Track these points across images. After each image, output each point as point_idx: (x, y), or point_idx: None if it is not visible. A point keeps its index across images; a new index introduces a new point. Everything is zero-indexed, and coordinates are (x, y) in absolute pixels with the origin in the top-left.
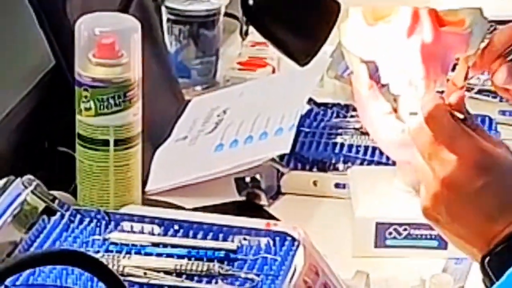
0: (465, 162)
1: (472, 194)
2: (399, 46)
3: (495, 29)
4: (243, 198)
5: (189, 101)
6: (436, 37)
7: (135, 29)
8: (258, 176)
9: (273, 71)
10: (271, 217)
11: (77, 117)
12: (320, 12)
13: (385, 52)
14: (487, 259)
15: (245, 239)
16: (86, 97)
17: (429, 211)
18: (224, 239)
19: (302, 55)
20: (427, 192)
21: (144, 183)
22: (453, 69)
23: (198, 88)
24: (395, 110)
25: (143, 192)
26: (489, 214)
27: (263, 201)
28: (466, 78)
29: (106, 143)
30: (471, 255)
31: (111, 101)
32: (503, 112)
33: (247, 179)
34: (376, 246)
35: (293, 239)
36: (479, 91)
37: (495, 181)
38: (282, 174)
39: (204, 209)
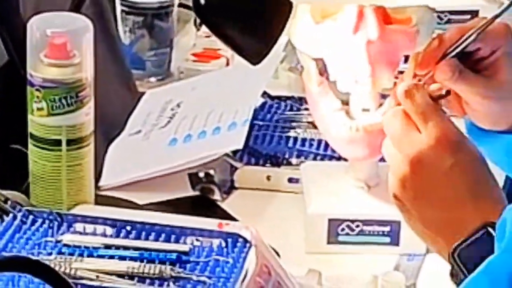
0: (436, 140)
1: (442, 173)
2: (345, 43)
3: (449, 19)
4: (197, 193)
5: (143, 93)
6: (382, 35)
7: (87, 29)
8: (211, 171)
9: (227, 63)
10: (225, 213)
11: (29, 117)
12: (272, 11)
13: (331, 49)
14: (457, 250)
15: (197, 240)
16: (38, 97)
17: (397, 198)
18: (177, 240)
19: (254, 54)
20: (395, 178)
21: (98, 177)
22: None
23: (153, 79)
24: (347, 104)
25: (97, 187)
26: (460, 196)
27: (217, 196)
28: (415, 75)
29: (58, 143)
30: (437, 247)
31: (63, 101)
32: None
33: (201, 174)
34: (328, 242)
35: (245, 240)
36: None
37: (467, 162)
38: (236, 168)
39: (158, 204)
